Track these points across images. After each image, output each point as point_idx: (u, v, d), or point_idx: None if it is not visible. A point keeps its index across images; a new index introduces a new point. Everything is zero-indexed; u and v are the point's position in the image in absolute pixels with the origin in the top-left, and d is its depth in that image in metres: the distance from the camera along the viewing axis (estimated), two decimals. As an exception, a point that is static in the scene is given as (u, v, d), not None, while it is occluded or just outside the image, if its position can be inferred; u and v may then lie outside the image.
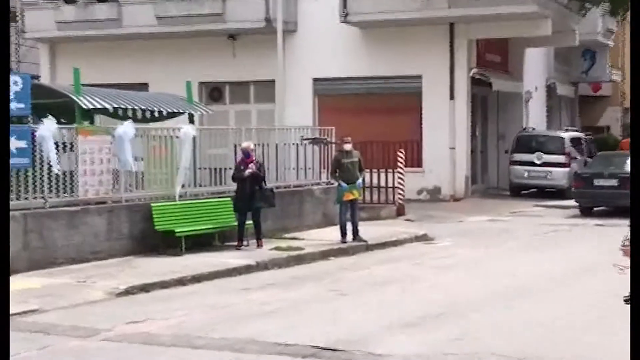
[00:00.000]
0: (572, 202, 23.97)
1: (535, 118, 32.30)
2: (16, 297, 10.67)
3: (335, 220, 18.50)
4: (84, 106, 16.72)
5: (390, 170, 23.37)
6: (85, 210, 14.87)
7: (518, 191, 28.29)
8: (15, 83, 13.56)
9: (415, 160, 26.41)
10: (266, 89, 27.86)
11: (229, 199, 17.04)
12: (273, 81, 26.19)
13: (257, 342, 9.29)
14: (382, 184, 23.30)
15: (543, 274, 13.93)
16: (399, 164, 23.29)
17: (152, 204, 15.83)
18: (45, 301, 11.43)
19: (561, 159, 27.57)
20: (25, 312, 10.71)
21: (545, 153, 27.69)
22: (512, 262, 15.58)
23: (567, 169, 27.16)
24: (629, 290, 6.60)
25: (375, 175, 22.98)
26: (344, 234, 17.17)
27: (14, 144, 13.25)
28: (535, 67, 32.97)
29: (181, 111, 19.17)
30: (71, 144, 15.13)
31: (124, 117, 16.98)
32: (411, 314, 10.72)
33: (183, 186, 16.66)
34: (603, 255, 15.11)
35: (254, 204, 16.34)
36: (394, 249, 17.30)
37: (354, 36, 27.33)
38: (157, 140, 16.75)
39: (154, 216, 15.64)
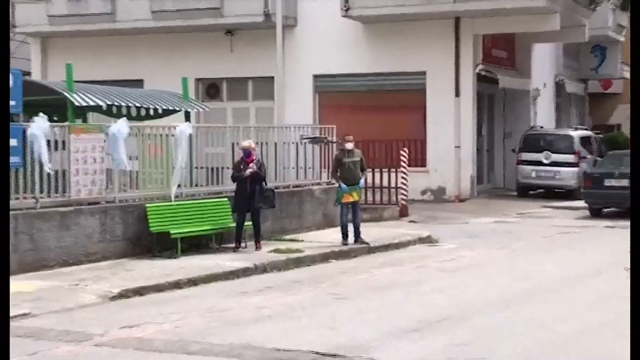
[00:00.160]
0: (581, 203, 24.00)
1: (543, 116, 32.33)
2: (6, 300, 10.69)
3: (335, 221, 18.52)
4: (76, 103, 16.74)
5: (393, 169, 23.40)
6: (77, 210, 14.88)
7: (525, 192, 28.32)
8: (6, 79, 13.56)
9: (419, 160, 26.45)
10: (265, 86, 27.90)
11: (226, 199, 17.06)
12: (272, 78, 26.17)
13: (254, 347, 9.31)
14: (385, 184, 23.33)
15: (551, 278, 13.94)
16: (402, 164, 23.31)
17: (147, 205, 15.85)
18: (36, 305, 11.45)
19: (570, 158, 27.58)
20: (15, 317, 10.71)
21: (553, 152, 27.71)
22: (519, 265, 15.60)
23: (576, 169, 27.18)
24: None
25: (377, 175, 23.01)
26: (345, 235, 17.18)
27: (5, 142, 13.26)
28: (543, 64, 32.98)
29: (177, 108, 19.19)
30: (63, 142, 15.13)
31: (118, 115, 17.00)
32: (414, 318, 10.73)
33: (179, 186, 16.65)
34: (613, 258, 15.16)
35: (253, 205, 16.35)
36: (396, 252, 17.32)
37: (355, 31, 27.36)
38: (152, 138, 16.76)
39: (149, 217, 15.66)
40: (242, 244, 16.38)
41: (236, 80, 29.14)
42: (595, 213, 23.27)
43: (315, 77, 28.06)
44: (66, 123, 15.85)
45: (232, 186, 17.01)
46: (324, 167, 20.43)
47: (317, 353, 9.02)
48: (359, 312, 11.28)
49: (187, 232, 15.93)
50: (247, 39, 28.19)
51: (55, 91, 17.14)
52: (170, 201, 16.34)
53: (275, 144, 19.51)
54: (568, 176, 27.43)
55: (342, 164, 17.38)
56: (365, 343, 9.46)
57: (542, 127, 30.13)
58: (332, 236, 17.82)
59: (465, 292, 12.74)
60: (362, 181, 17.53)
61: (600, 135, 32.11)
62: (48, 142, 14.49)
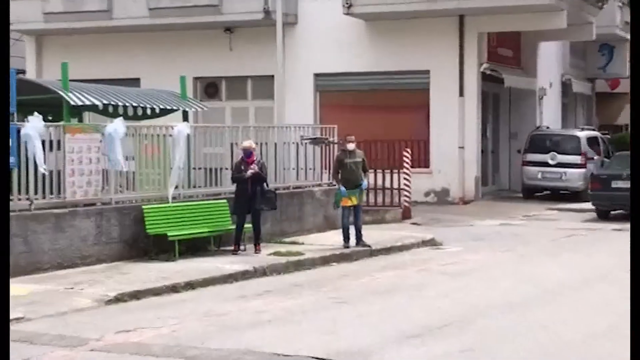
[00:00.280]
0: (588, 205, 24.00)
1: (549, 116, 32.30)
2: (-1, 304, 10.70)
3: (337, 223, 18.53)
4: (72, 102, 16.74)
5: (396, 170, 23.42)
6: (73, 212, 14.89)
7: (531, 193, 28.30)
8: (-1, 78, 13.58)
9: (422, 161, 26.44)
10: (265, 85, 27.90)
11: (225, 200, 17.06)
12: (272, 76, 26.19)
13: (253, 352, 9.32)
14: (387, 185, 23.34)
15: (556, 281, 13.96)
16: (405, 165, 23.33)
17: (144, 206, 15.87)
18: (30, 309, 11.44)
19: (577, 159, 27.56)
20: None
21: (559, 153, 27.69)
22: (524, 268, 15.60)
23: (583, 170, 27.16)
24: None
25: (380, 176, 23.02)
26: (346, 238, 17.18)
27: (-2, 142, 13.28)
28: (550, 63, 32.96)
29: (175, 108, 19.20)
30: (58, 142, 15.15)
31: (115, 114, 17.00)
32: (416, 323, 10.74)
33: (176, 187, 16.67)
34: (620, 261, 15.14)
35: (254, 206, 16.35)
36: (399, 255, 17.33)
37: (357, 29, 27.35)
38: (149, 138, 16.78)
39: (146, 219, 15.67)
40: (242, 247, 16.38)
41: (235, 79, 29.14)
42: (603, 215, 23.27)
43: (316, 75, 28.05)
44: (61, 123, 15.85)
45: (231, 187, 17.03)
46: (325, 168, 20.44)
47: (317, 358, 9.03)
48: (360, 317, 11.28)
49: (185, 234, 15.94)
50: (246, 37, 28.20)
51: (50, 90, 17.13)
52: (168, 203, 16.36)
53: (275, 144, 19.51)
54: (575, 178, 27.42)
55: (343, 165, 17.39)
56: (366, 348, 9.47)
57: (548, 128, 30.09)
58: (333, 239, 17.83)
59: (469, 296, 12.75)
60: (365, 182, 17.54)
61: (608, 136, 32.07)
62: (43, 142, 14.50)
